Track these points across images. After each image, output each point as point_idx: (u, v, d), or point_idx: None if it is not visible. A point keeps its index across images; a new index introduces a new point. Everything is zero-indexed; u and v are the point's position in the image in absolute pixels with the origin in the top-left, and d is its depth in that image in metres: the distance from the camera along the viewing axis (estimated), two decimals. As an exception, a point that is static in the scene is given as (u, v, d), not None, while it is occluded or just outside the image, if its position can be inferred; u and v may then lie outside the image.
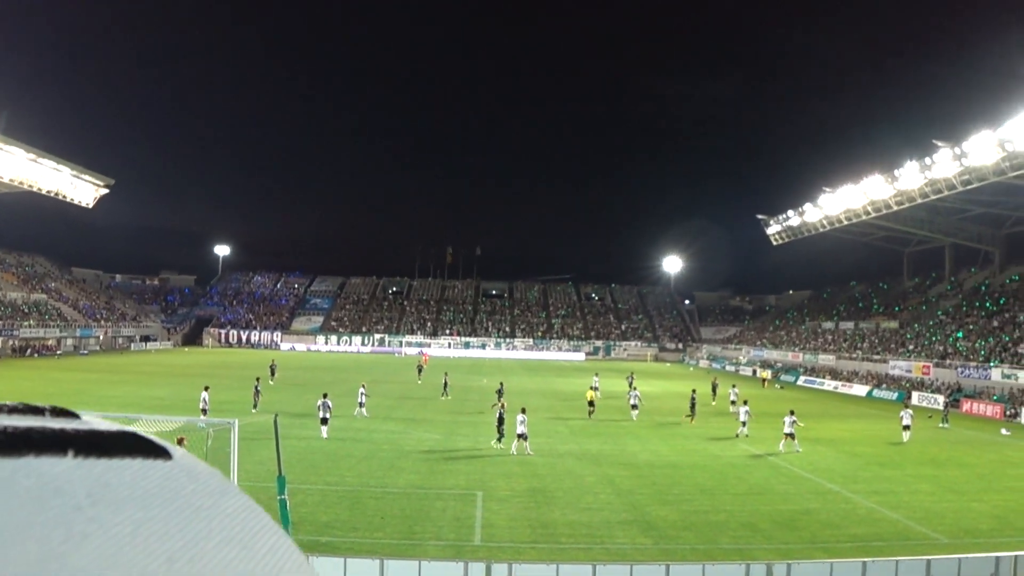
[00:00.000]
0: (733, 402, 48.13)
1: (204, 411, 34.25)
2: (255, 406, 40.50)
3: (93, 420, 0.73)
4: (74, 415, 0.73)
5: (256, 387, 42.85)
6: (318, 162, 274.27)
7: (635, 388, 48.86)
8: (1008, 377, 58.67)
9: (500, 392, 44.29)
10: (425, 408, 46.08)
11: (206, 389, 36.37)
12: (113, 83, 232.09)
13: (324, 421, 33.02)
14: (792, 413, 35.01)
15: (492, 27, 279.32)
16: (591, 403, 44.81)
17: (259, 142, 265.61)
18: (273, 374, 58.40)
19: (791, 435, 34.15)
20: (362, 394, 41.54)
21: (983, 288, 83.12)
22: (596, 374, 61.07)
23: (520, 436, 30.90)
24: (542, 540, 19.43)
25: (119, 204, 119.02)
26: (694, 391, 45.95)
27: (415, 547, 18.34)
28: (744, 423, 37.99)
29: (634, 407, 44.25)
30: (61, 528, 0.58)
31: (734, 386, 51.09)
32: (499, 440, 31.99)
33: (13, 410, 0.70)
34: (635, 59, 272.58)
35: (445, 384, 53.49)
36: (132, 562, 0.59)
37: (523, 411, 31.61)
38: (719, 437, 38.19)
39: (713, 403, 51.97)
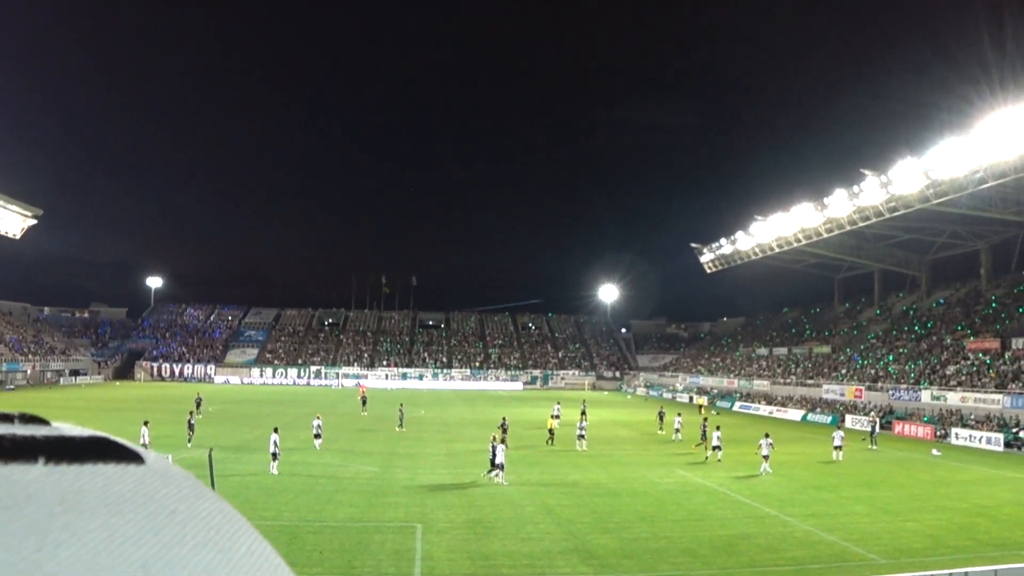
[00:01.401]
0: (677, 430, 48.62)
1: (145, 446, 33.24)
2: (189, 440, 39.71)
3: (64, 426, 0.72)
4: (44, 421, 0.73)
5: (190, 421, 42.00)
6: (251, 192, 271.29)
7: (584, 418, 49.00)
8: (937, 399, 59.92)
9: (504, 427, 43.21)
10: (363, 440, 45.59)
11: (145, 424, 35.41)
12: (41, 108, 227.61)
13: (274, 456, 32.16)
14: (767, 436, 36.34)
15: (427, 59, 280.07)
16: (551, 431, 45.00)
17: (191, 172, 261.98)
18: (199, 408, 56.42)
19: (767, 457, 35.42)
20: (318, 426, 40.61)
21: (911, 312, 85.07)
22: (558, 403, 61.15)
23: (498, 466, 31.27)
24: (482, 572, 19.26)
25: (48, 235, 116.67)
26: (705, 418, 46.79)
27: (354, 581, 18.08)
28: (717, 448, 38.54)
29: (581, 437, 43.56)
30: (34, 536, 0.57)
31: (679, 414, 51.44)
32: (491, 472, 31.77)
33: None
34: (568, 92, 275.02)
35: (401, 416, 53.31)
36: (107, 568, 0.58)
37: (504, 442, 32.67)
38: (657, 464, 38.42)
39: (660, 431, 52.43)
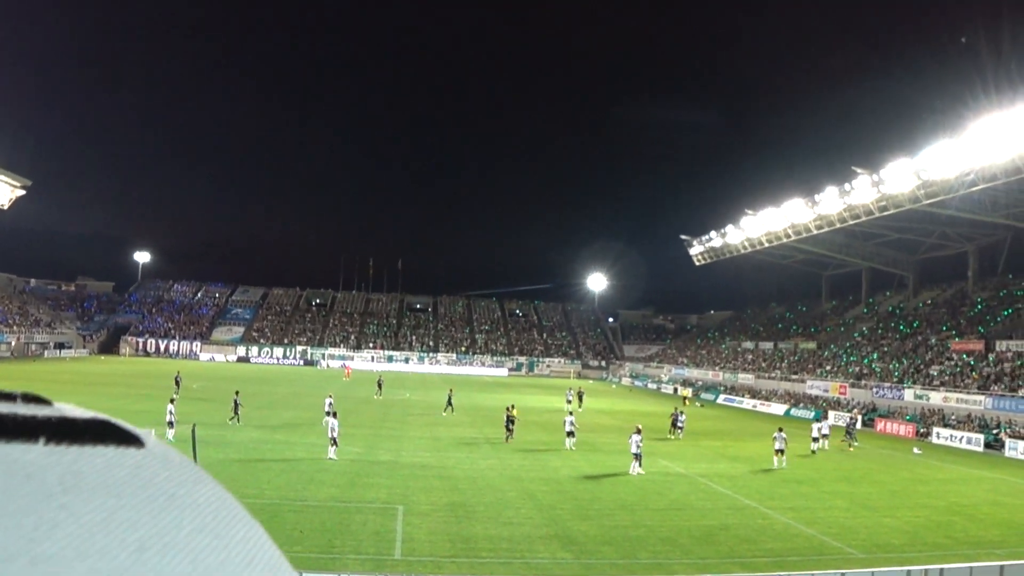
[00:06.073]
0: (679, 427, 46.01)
1: (171, 424, 33.03)
2: (238, 419, 40.22)
3: (65, 407, 0.72)
4: (46, 401, 0.72)
5: (235, 401, 41.16)
6: (242, 170, 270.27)
7: (571, 412, 44.58)
8: (920, 398, 60.28)
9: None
10: (347, 421, 45.46)
11: (171, 401, 35.00)
12: (29, 79, 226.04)
13: (333, 441, 31.52)
14: (781, 430, 36.53)
15: (419, 45, 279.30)
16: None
17: (181, 147, 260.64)
18: (178, 386, 55.00)
19: (781, 451, 35.64)
20: (330, 404, 39.93)
21: (897, 311, 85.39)
22: (570, 389, 61.55)
23: (635, 456, 31.66)
24: (462, 554, 19.32)
25: (36, 206, 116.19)
26: (852, 419, 47.06)
27: (334, 561, 18.10)
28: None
29: (570, 434, 38.61)
30: (32, 515, 0.57)
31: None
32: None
33: None
34: (563, 83, 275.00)
35: (449, 400, 52.97)
36: (103, 550, 0.58)
37: (639, 431, 32.57)
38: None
39: (674, 436, 45.97)
